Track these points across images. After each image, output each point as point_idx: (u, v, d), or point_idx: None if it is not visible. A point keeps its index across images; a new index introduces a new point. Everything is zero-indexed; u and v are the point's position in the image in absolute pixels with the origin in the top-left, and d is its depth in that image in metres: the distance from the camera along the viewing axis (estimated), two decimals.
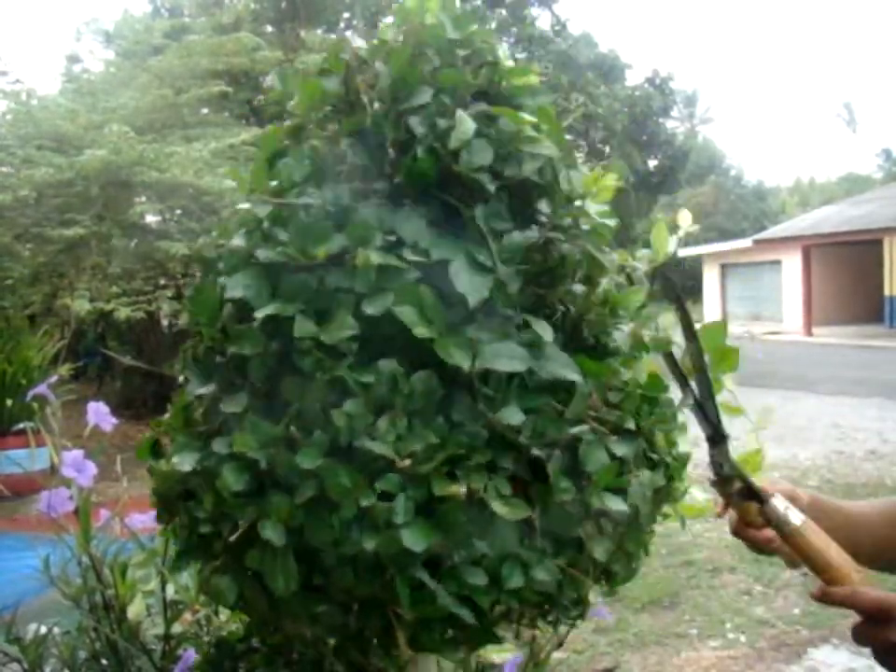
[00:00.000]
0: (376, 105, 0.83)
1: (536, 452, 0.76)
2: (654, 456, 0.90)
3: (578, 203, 0.88)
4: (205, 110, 10.81)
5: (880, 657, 0.83)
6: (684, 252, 27.38)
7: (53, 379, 1.59)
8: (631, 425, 0.84)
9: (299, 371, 0.76)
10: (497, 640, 0.84)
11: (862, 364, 13.12)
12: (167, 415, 0.93)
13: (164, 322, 9.85)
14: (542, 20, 18.41)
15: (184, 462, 0.81)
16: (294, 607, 0.79)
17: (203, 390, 0.83)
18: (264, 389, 0.78)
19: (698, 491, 1.05)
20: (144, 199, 8.60)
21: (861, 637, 0.83)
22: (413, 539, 0.72)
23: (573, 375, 0.79)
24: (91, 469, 1.30)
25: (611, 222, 0.89)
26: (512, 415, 0.76)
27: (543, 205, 0.86)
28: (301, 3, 13.59)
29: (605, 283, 0.89)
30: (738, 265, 25.29)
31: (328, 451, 0.74)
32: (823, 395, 10.69)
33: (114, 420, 1.38)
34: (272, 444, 0.76)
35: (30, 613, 1.43)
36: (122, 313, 7.85)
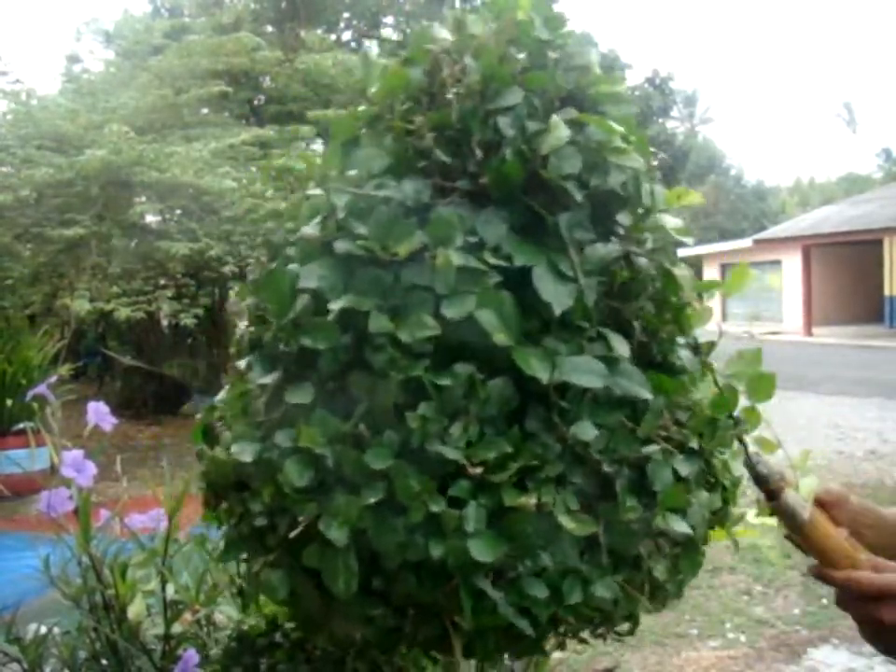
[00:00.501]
0: (463, 101, 0.81)
1: (606, 468, 0.75)
2: (711, 479, 0.89)
3: (655, 217, 0.86)
4: (205, 110, 10.82)
5: (867, 634, 0.85)
6: (684, 252, 27.39)
7: (53, 379, 1.59)
8: (695, 444, 0.83)
9: (370, 369, 0.74)
10: (544, 652, 0.84)
11: (862, 364, 13.13)
12: (219, 399, 0.90)
13: (164, 322, 9.86)
14: None
15: (243, 452, 0.78)
16: (350, 608, 0.77)
17: (266, 379, 0.80)
18: (333, 384, 0.76)
19: (751, 513, 1.01)
20: (144, 199, 8.60)
21: (846, 605, 0.85)
22: (482, 550, 0.71)
23: (647, 393, 0.77)
24: (91, 469, 1.30)
25: (689, 240, 0.87)
26: (586, 430, 0.74)
27: (623, 218, 0.84)
28: (301, 3, 13.59)
29: (675, 301, 0.87)
30: (738, 265, 25.17)
31: (397, 452, 0.73)
32: (823, 395, 10.70)
33: (114, 420, 1.38)
34: (339, 441, 0.74)
35: (30, 613, 1.43)
36: (122, 313, 7.85)
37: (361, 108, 0.87)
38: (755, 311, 24.14)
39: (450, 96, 0.82)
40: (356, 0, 15.60)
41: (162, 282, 8.85)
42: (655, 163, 0.87)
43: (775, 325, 22.02)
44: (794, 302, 21.50)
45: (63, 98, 9.78)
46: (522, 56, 0.83)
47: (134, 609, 1.25)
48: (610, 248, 0.80)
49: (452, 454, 0.71)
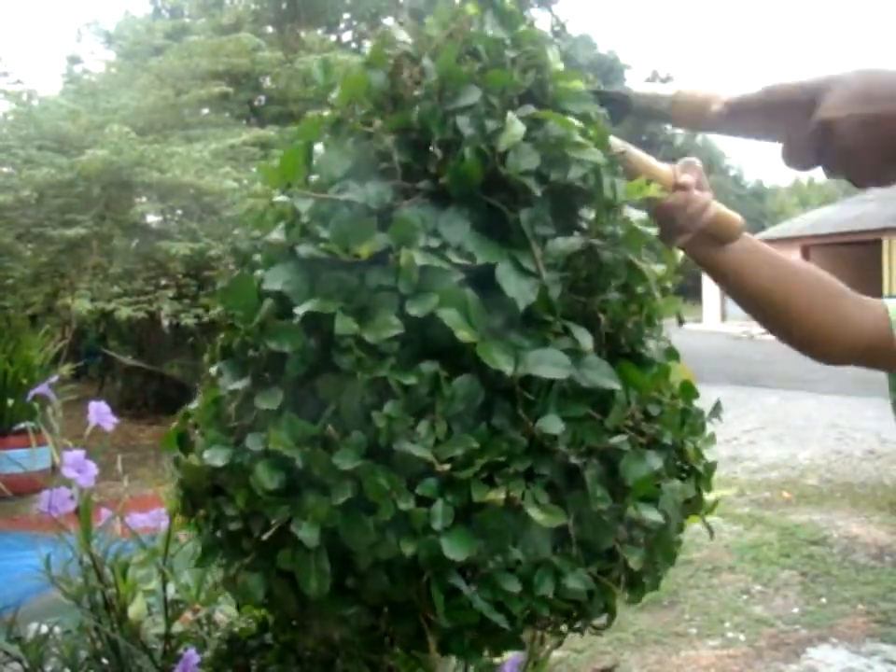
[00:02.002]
0: (422, 102, 0.82)
1: (573, 460, 0.76)
2: (685, 466, 0.90)
3: (619, 210, 0.87)
4: (206, 111, 10.82)
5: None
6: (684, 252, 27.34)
7: (54, 379, 1.59)
8: (668, 439, 0.84)
9: (337, 370, 0.75)
10: (522, 646, 0.84)
11: None
12: (194, 406, 0.91)
13: (165, 322, 9.85)
14: (542, 20, 18.42)
15: (216, 457, 0.80)
16: (324, 608, 0.78)
17: (236, 385, 0.82)
18: (301, 387, 0.77)
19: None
20: (145, 199, 8.61)
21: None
22: (453, 548, 0.72)
23: (613, 384, 0.78)
24: (92, 469, 1.30)
25: (653, 231, 0.88)
26: (553, 424, 0.75)
27: (586, 212, 0.85)
28: (301, 3, 13.59)
29: (641, 291, 0.88)
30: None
31: (366, 452, 0.74)
32: (822, 395, 10.70)
33: (115, 420, 1.39)
34: (308, 443, 0.75)
35: (30, 613, 1.44)
36: (123, 313, 7.85)
37: (325, 114, 0.88)
38: None
39: (411, 98, 0.83)
40: (356, 0, 15.59)
41: (163, 282, 8.85)
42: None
43: None
44: None
45: (64, 99, 9.78)
46: (479, 56, 0.84)
47: (135, 609, 1.25)
48: (572, 241, 0.81)
49: (419, 451, 0.72)
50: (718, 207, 1.03)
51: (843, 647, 3.46)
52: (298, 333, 0.76)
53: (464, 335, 0.73)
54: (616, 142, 0.91)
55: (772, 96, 0.86)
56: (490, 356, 0.73)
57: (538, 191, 0.79)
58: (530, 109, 0.82)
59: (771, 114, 0.86)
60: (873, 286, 20.74)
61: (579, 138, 0.81)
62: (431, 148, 0.81)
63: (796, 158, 0.84)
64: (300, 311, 0.75)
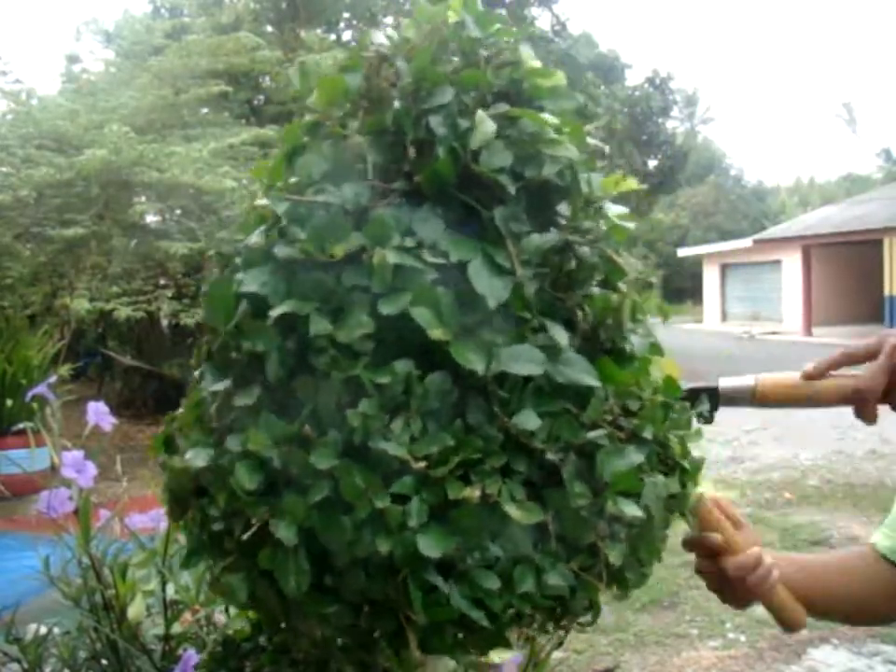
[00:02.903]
0: (397, 103, 0.83)
1: (550, 456, 0.76)
2: (669, 461, 0.89)
3: (597, 205, 0.88)
4: (205, 110, 10.83)
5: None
6: (684, 252, 27.41)
7: (53, 379, 1.59)
8: (649, 434, 0.84)
9: (313, 370, 0.75)
10: (508, 644, 0.84)
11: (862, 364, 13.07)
12: (179, 411, 0.92)
13: (164, 322, 9.86)
14: (542, 20, 18.43)
15: (197, 458, 0.80)
16: (305, 607, 0.79)
17: (217, 386, 0.82)
18: (278, 387, 0.78)
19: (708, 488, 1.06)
20: (144, 199, 8.62)
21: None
22: (428, 545, 0.72)
23: (591, 380, 0.78)
24: (91, 469, 1.30)
25: (631, 225, 0.88)
26: (528, 420, 0.75)
27: (563, 208, 0.85)
28: (300, 3, 13.60)
29: (622, 287, 0.88)
30: (738, 265, 25.29)
31: (342, 451, 0.74)
32: None
33: (114, 420, 1.38)
34: (285, 443, 0.76)
35: (30, 613, 1.43)
36: (122, 313, 7.86)
37: (306, 118, 0.89)
38: (755, 311, 24.09)
39: (386, 99, 0.83)
40: (356, 0, 15.60)
41: (162, 282, 8.86)
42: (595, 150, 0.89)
43: (774, 325, 22.01)
44: (794, 302, 21.49)
45: (63, 98, 9.79)
46: (454, 56, 0.85)
47: (134, 610, 1.25)
48: (547, 238, 0.81)
49: (394, 449, 0.73)
50: (780, 588, 1.07)
51: (844, 648, 3.45)
52: (272, 333, 0.77)
53: (436, 333, 0.73)
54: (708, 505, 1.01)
55: (849, 355, 0.98)
56: (462, 354, 0.74)
57: (511, 189, 0.79)
58: (504, 107, 0.82)
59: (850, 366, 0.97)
60: (873, 286, 20.78)
61: (553, 135, 0.82)
62: (406, 149, 0.81)
63: (871, 395, 0.95)
64: (275, 312, 0.76)
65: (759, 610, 3.92)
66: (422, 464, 0.72)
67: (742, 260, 23.97)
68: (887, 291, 19.96)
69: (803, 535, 4.82)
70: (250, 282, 0.78)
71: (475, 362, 0.73)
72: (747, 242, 23.16)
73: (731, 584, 1.02)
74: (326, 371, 0.74)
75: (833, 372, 0.99)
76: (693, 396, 1.00)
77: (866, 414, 0.96)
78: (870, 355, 0.97)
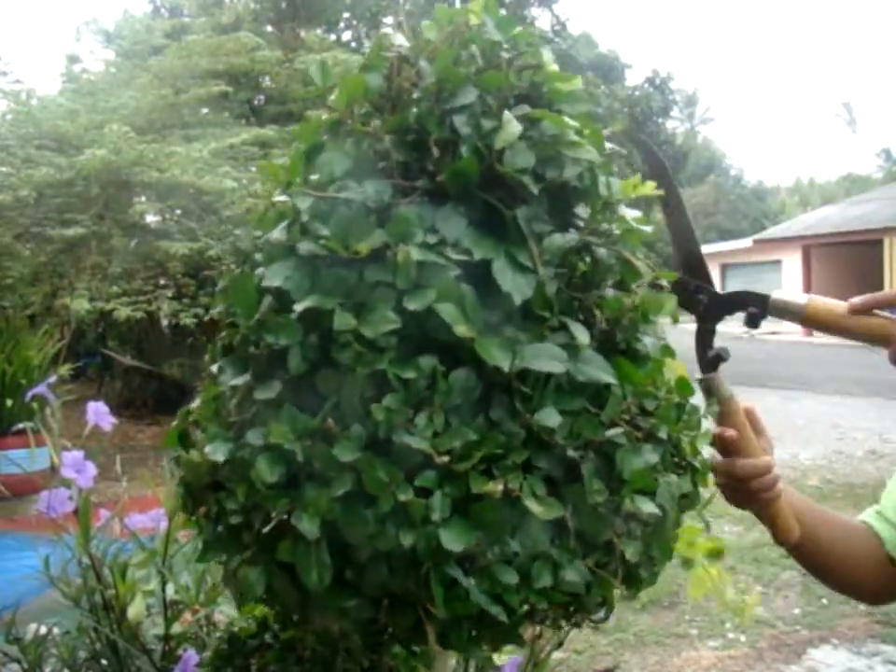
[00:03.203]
0: (420, 103, 0.83)
1: (570, 453, 0.77)
2: (682, 462, 0.91)
3: (614, 208, 0.89)
4: (205, 110, 10.82)
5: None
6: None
7: (53, 379, 1.59)
8: (664, 434, 0.85)
9: (336, 365, 0.76)
10: (521, 641, 0.85)
11: (862, 364, 13.13)
12: (195, 404, 0.92)
13: (164, 322, 9.85)
14: (542, 20, 18.44)
15: (217, 452, 0.81)
16: (325, 600, 0.79)
17: (237, 381, 0.83)
18: (300, 381, 0.78)
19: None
20: (144, 199, 8.60)
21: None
22: (451, 539, 0.73)
23: (609, 378, 0.79)
24: (91, 469, 1.30)
25: (648, 228, 0.90)
26: (549, 416, 0.76)
27: (581, 209, 0.86)
28: (300, 3, 13.60)
29: (637, 288, 0.89)
30: (738, 265, 25.30)
31: (365, 445, 0.75)
32: (823, 395, 10.70)
33: (114, 420, 1.38)
34: (308, 436, 0.76)
35: (30, 613, 1.43)
36: (122, 313, 7.85)
37: (324, 116, 0.89)
38: None
39: (408, 99, 0.84)
40: (356, 0, 15.60)
41: (162, 282, 8.85)
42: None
43: (775, 325, 21.98)
44: None
45: (63, 98, 9.78)
46: (476, 57, 0.85)
47: (134, 610, 1.25)
48: (568, 238, 0.82)
49: (418, 444, 0.73)
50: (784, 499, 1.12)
51: (844, 648, 3.46)
52: (296, 328, 0.77)
53: (461, 330, 0.74)
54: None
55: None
56: (487, 350, 0.74)
57: (534, 189, 0.80)
58: (525, 109, 0.83)
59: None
60: (873, 286, 20.78)
61: (574, 137, 0.83)
62: (429, 147, 0.82)
63: None
64: (299, 307, 0.76)
65: (758, 610, 3.91)
66: (445, 458, 0.73)
67: (742, 260, 24.00)
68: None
69: None
70: (273, 277, 0.79)
71: (500, 359, 0.74)
72: (747, 242, 23.18)
73: (737, 484, 1.05)
74: (350, 366, 0.75)
75: (877, 311, 1.02)
76: (743, 300, 1.06)
77: None
78: None
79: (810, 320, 1.03)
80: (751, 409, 1.08)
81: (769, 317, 1.07)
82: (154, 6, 17.08)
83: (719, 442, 1.04)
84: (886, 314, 1.01)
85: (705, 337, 1.07)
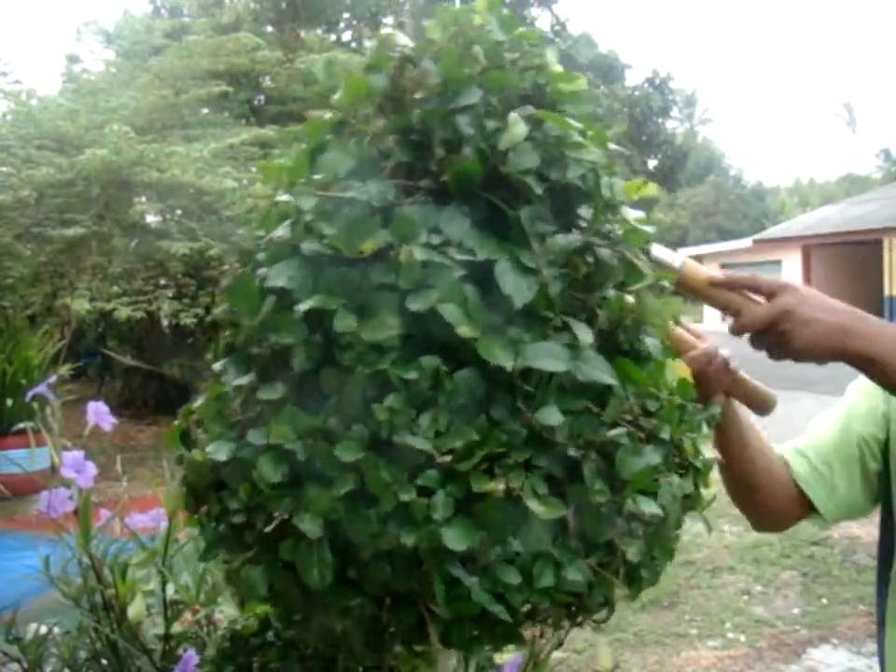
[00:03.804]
0: (424, 103, 0.84)
1: (572, 452, 0.77)
2: (683, 462, 0.91)
3: (616, 209, 0.89)
4: (205, 110, 10.81)
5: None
6: (684, 252, 27.44)
7: (53, 379, 1.59)
8: (666, 434, 0.85)
9: (339, 364, 0.76)
10: (522, 640, 0.85)
11: None
12: (197, 404, 0.92)
13: (164, 322, 9.85)
14: (542, 20, 18.43)
15: (219, 452, 0.81)
16: (327, 599, 0.79)
17: (240, 381, 0.83)
18: (303, 381, 0.79)
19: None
20: (144, 199, 8.60)
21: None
22: (454, 538, 0.73)
23: (610, 379, 0.79)
24: (91, 469, 1.30)
25: (650, 229, 0.90)
26: (551, 416, 0.76)
27: (584, 210, 0.87)
28: (300, 3, 13.60)
29: (639, 289, 0.89)
30: (738, 265, 25.29)
31: (367, 445, 0.75)
32: (823, 395, 10.69)
33: (114, 420, 1.39)
34: (310, 436, 0.76)
35: (30, 613, 1.43)
36: (122, 313, 7.84)
37: (327, 116, 0.90)
38: None
39: (412, 99, 0.84)
40: (356, 0, 15.60)
41: (163, 282, 8.85)
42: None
43: None
44: None
45: (64, 98, 9.78)
46: (480, 58, 0.85)
47: (134, 609, 1.25)
48: (571, 239, 0.82)
49: (420, 443, 0.74)
50: (744, 375, 1.20)
51: (843, 647, 3.46)
52: (298, 326, 0.77)
53: (464, 330, 0.74)
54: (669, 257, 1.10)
55: (755, 284, 1.07)
56: (490, 351, 0.74)
57: (538, 190, 0.80)
58: (529, 110, 0.83)
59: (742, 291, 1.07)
60: (873, 286, 20.78)
61: (577, 138, 0.83)
62: (433, 148, 0.82)
63: (747, 329, 1.06)
64: (303, 307, 0.76)
65: (758, 610, 3.93)
66: (447, 458, 0.73)
67: (742, 260, 23.99)
68: (886, 291, 19.97)
69: (802, 535, 4.83)
70: (276, 276, 0.79)
71: (503, 358, 0.74)
72: (746, 242, 23.17)
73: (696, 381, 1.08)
74: (352, 366, 0.75)
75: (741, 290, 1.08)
76: None
77: (735, 334, 1.09)
78: (768, 296, 1.06)
79: (680, 281, 1.07)
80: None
81: None
82: (154, 6, 17.07)
83: None
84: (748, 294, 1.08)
85: None
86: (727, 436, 1.23)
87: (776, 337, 1.05)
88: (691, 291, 1.10)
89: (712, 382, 1.12)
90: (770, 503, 1.33)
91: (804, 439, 1.40)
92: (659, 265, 1.06)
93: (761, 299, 1.07)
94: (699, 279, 1.09)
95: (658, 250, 1.07)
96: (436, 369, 0.75)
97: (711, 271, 1.11)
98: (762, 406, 1.22)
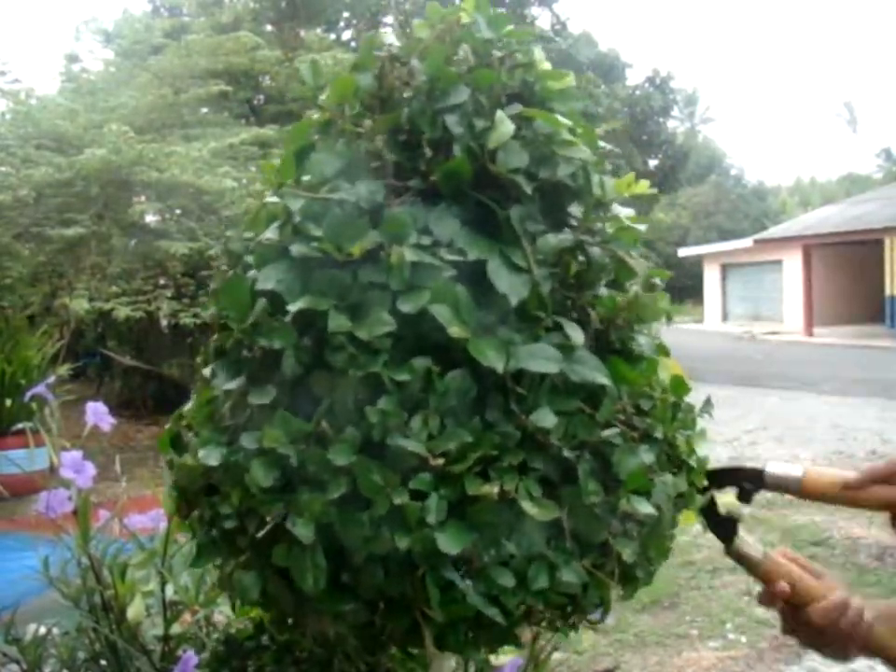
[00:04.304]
0: (412, 102, 0.83)
1: (566, 454, 0.77)
2: (677, 461, 0.91)
3: (607, 207, 0.89)
4: (205, 110, 10.81)
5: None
6: (684, 252, 27.43)
7: (52, 379, 1.59)
8: (659, 433, 0.85)
9: (331, 368, 0.76)
10: (518, 642, 0.85)
11: (863, 364, 13.12)
12: (188, 408, 0.92)
13: (164, 322, 9.84)
14: (542, 19, 18.43)
15: (210, 456, 0.81)
16: (321, 604, 0.79)
17: (231, 385, 0.83)
18: (294, 385, 0.78)
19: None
20: (143, 198, 8.59)
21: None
22: (447, 541, 0.72)
23: (603, 379, 0.79)
24: (90, 469, 1.30)
25: (641, 227, 0.89)
26: (545, 417, 0.76)
27: (575, 209, 0.86)
28: (300, 2, 13.59)
29: (632, 287, 0.89)
30: (739, 265, 25.26)
31: (359, 448, 0.74)
32: (823, 395, 10.68)
33: (113, 420, 1.38)
34: (302, 440, 0.76)
35: (29, 614, 1.43)
36: (122, 312, 7.84)
37: (315, 116, 0.89)
38: (755, 311, 24.07)
39: (399, 98, 0.84)
40: (356, 0, 15.60)
41: (162, 281, 8.84)
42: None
43: (775, 325, 21.99)
44: (795, 302, 21.45)
45: (63, 97, 9.77)
46: (467, 56, 0.85)
47: (134, 610, 1.25)
48: (562, 238, 0.82)
49: (413, 446, 0.73)
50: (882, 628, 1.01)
51: None
52: (290, 331, 0.77)
53: (455, 331, 0.74)
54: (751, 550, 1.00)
55: (893, 467, 0.97)
56: (482, 352, 0.74)
57: (528, 189, 0.80)
58: (518, 108, 0.83)
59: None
60: (874, 286, 20.76)
61: (567, 136, 0.82)
62: (421, 147, 0.82)
63: None
64: (292, 308, 0.76)
65: (759, 611, 3.91)
66: (440, 460, 0.73)
67: (743, 260, 23.98)
68: (887, 291, 19.97)
69: (803, 535, 4.82)
70: (266, 280, 0.79)
71: (494, 360, 0.74)
72: (747, 242, 23.15)
73: (825, 636, 0.96)
74: (344, 369, 0.74)
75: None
76: (736, 473, 1.01)
77: None
78: None
79: (808, 493, 0.99)
80: (790, 553, 1.01)
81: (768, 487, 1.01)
82: (154, 5, 17.07)
83: (778, 601, 0.97)
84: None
85: (706, 511, 1.00)
86: None
87: None
88: (826, 501, 1.00)
89: (845, 637, 0.96)
90: None
91: None
92: (778, 486, 0.99)
93: None
94: (832, 486, 0.98)
95: (774, 467, 0.99)
96: (427, 370, 0.74)
97: (837, 471, 1.00)
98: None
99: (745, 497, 1.00)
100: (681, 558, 4.11)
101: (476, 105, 0.81)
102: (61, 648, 1.31)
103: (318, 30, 14.62)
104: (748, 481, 1.00)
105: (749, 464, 1.02)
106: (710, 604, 3.99)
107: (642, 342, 0.88)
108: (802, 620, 0.95)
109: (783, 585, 0.95)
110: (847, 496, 0.97)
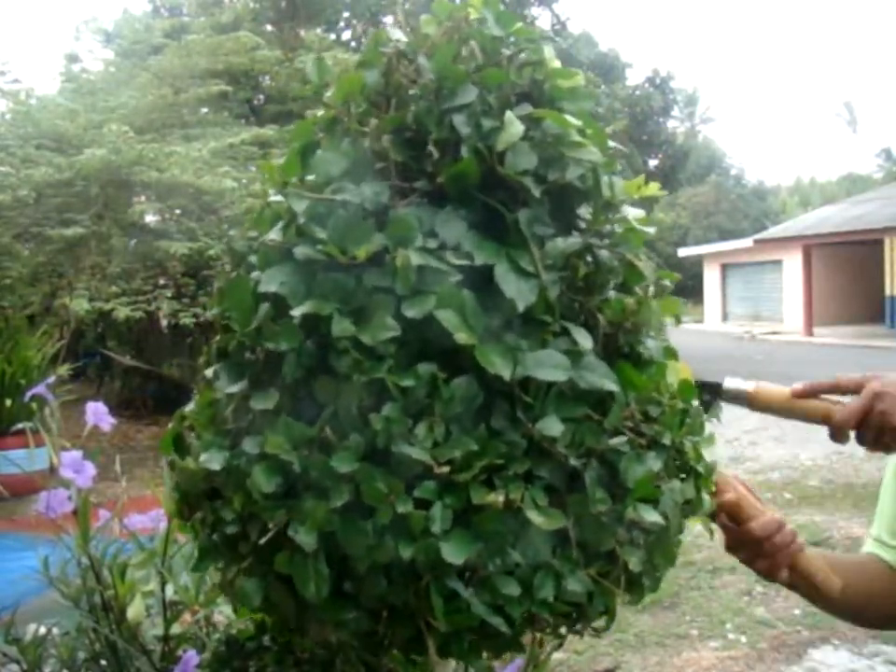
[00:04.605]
0: (419, 101, 0.81)
1: (573, 462, 0.75)
2: (685, 467, 0.89)
3: (616, 208, 0.87)
4: (205, 110, 10.82)
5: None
6: (685, 252, 27.45)
7: (52, 379, 1.58)
8: (667, 440, 0.84)
9: (334, 372, 0.74)
10: (521, 648, 0.83)
11: (863, 364, 13.11)
12: (189, 409, 0.91)
13: (164, 322, 9.85)
14: (542, 19, 18.43)
15: (212, 461, 0.79)
16: (323, 612, 0.78)
17: (233, 388, 0.81)
18: (298, 389, 0.77)
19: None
20: (143, 198, 8.60)
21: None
22: (452, 551, 0.71)
23: (611, 385, 0.77)
24: (90, 469, 1.29)
25: (651, 230, 0.88)
26: (552, 426, 0.75)
27: (583, 211, 0.84)
28: (300, 2, 13.60)
29: (640, 291, 0.87)
30: (739, 265, 25.29)
31: (363, 455, 0.73)
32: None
33: (113, 420, 1.37)
34: (305, 446, 0.75)
35: (29, 614, 1.42)
36: (122, 313, 7.85)
37: (319, 114, 0.87)
38: (756, 311, 24.09)
39: (406, 96, 0.82)
40: (355, 0, 15.60)
41: (162, 281, 8.85)
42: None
43: (775, 325, 22.01)
44: (795, 302, 21.48)
45: (63, 97, 9.79)
46: (476, 54, 0.83)
47: (134, 610, 1.24)
48: (571, 242, 0.80)
49: (417, 454, 0.72)
50: (810, 552, 1.16)
51: (844, 648, 3.45)
52: (294, 332, 0.76)
53: (462, 337, 0.72)
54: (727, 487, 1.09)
55: (837, 385, 1.07)
56: (488, 358, 0.73)
57: (536, 192, 0.78)
58: (527, 108, 0.81)
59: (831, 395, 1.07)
60: (874, 286, 20.78)
61: (577, 137, 0.80)
62: (428, 148, 0.80)
63: (846, 425, 1.05)
64: (297, 313, 0.74)
65: (759, 611, 3.92)
66: (445, 469, 0.71)
67: (743, 260, 23.99)
68: (887, 291, 19.98)
69: (803, 535, 4.80)
70: (269, 282, 0.77)
71: (501, 367, 0.72)
72: (747, 241, 23.16)
73: (759, 550, 1.08)
74: (347, 374, 0.73)
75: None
76: (697, 388, 1.07)
77: (838, 439, 1.08)
78: (854, 390, 1.06)
79: (757, 405, 1.09)
80: (740, 480, 1.12)
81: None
82: (154, 5, 17.06)
83: (722, 514, 1.07)
84: (830, 397, 1.08)
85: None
86: (812, 594, 1.22)
87: (876, 422, 1.04)
88: (773, 412, 1.10)
89: (777, 553, 1.09)
90: (886, 611, 1.31)
91: (875, 527, 1.39)
92: (733, 398, 1.10)
93: (845, 399, 1.07)
94: (778, 397, 1.09)
95: (729, 382, 1.09)
96: (433, 376, 0.73)
97: (784, 388, 1.10)
98: (824, 588, 1.16)
99: (705, 408, 1.06)
100: (681, 558, 4.11)
101: (484, 105, 0.80)
102: (61, 648, 1.30)
103: (318, 30, 14.63)
104: (708, 393, 1.09)
105: (709, 379, 1.12)
106: (710, 604, 3.99)
107: (651, 345, 0.87)
108: (742, 535, 1.07)
109: (731, 496, 1.06)
110: (793, 405, 1.07)
